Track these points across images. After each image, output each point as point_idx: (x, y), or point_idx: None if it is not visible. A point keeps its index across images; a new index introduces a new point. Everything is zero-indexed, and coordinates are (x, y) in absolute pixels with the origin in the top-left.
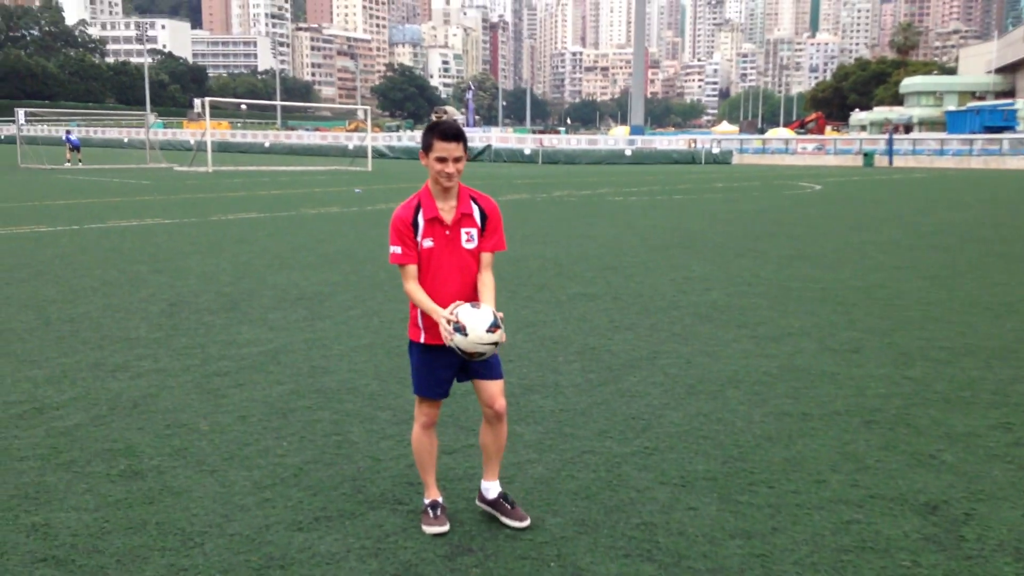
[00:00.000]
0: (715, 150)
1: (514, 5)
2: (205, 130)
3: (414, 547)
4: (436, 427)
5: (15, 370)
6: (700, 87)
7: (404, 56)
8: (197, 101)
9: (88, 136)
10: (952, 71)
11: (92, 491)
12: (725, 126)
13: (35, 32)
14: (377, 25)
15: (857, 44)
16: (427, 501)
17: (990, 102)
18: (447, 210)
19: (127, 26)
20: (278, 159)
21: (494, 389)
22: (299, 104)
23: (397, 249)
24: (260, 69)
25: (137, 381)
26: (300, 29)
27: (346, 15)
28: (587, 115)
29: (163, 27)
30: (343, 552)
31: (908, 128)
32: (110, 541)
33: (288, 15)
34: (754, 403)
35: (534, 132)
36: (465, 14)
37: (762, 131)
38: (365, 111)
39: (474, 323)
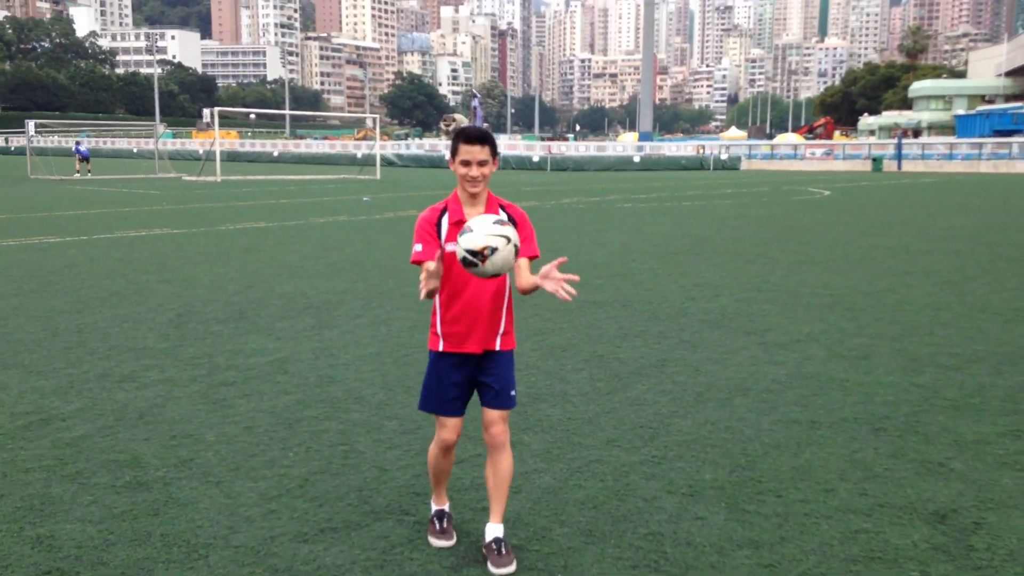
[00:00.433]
0: (724, 156)
1: (523, 12)
2: (214, 140)
3: (420, 559)
4: (455, 449)
5: (22, 380)
6: (709, 93)
7: (413, 64)
8: (206, 111)
9: (97, 147)
10: (961, 74)
11: (97, 502)
12: (734, 132)
13: (46, 44)
14: (386, 34)
15: (866, 48)
16: (434, 509)
17: (1000, 106)
18: (474, 216)
19: (137, 37)
20: (287, 168)
21: (493, 415)
22: (308, 113)
23: (418, 247)
24: (269, 79)
25: (144, 392)
26: (309, 38)
27: (355, 24)
28: (596, 121)
29: (173, 37)
30: (348, 564)
31: (917, 132)
32: (115, 553)
33: (297, 24)
34: (762, 411)
35: (543, 139)
36: (474, 22)
37: (771, 136)
38: (374, 119)
39: (479, 221)
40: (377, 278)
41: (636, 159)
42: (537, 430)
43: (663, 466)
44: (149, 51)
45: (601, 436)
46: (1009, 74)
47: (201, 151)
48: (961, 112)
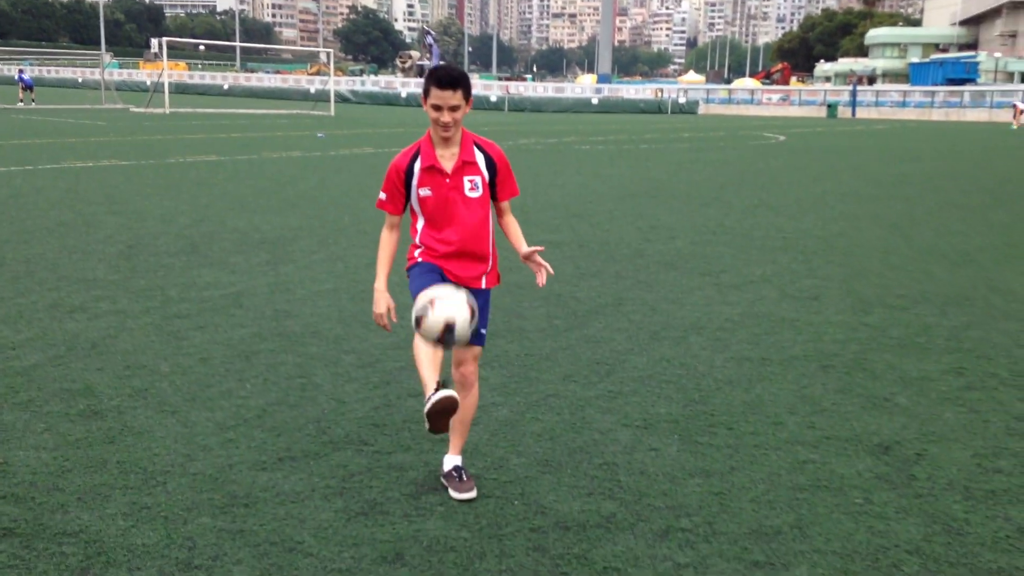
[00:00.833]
0: (682, 100)
1: None
2: (162, 71)
3: (379, 486)
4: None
5: None
6: (668, 36)
7: None
8: (154, 41)
9: (41, 76)
10: (917, 23)
11: (51, 430)
12: (692, 76)
13: None
14: None
15: None
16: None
17: (953, 54)
18: (447, 157)
19: None
20: (237, 102)
21: (466, 354)
22: (259, 46)
23: (383, 195)
24: (219, 9)
25: (95, 322)
26: None
27: None
28: (554, 62)
29: None
30: (308, 491)
31: (872, 80)
32: (70, 479)
33: None
34: (716, 348)
35: (500, 79)
36: None
37: (728, 81)
38: (328, 54)
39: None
40: (333, 215)
41: (594, 101)
42: (495, 365)
43: (619, 400)
44: None
45: (558, 371)
46: (963, 23)
47: (149, 82)
48: (915, 60)
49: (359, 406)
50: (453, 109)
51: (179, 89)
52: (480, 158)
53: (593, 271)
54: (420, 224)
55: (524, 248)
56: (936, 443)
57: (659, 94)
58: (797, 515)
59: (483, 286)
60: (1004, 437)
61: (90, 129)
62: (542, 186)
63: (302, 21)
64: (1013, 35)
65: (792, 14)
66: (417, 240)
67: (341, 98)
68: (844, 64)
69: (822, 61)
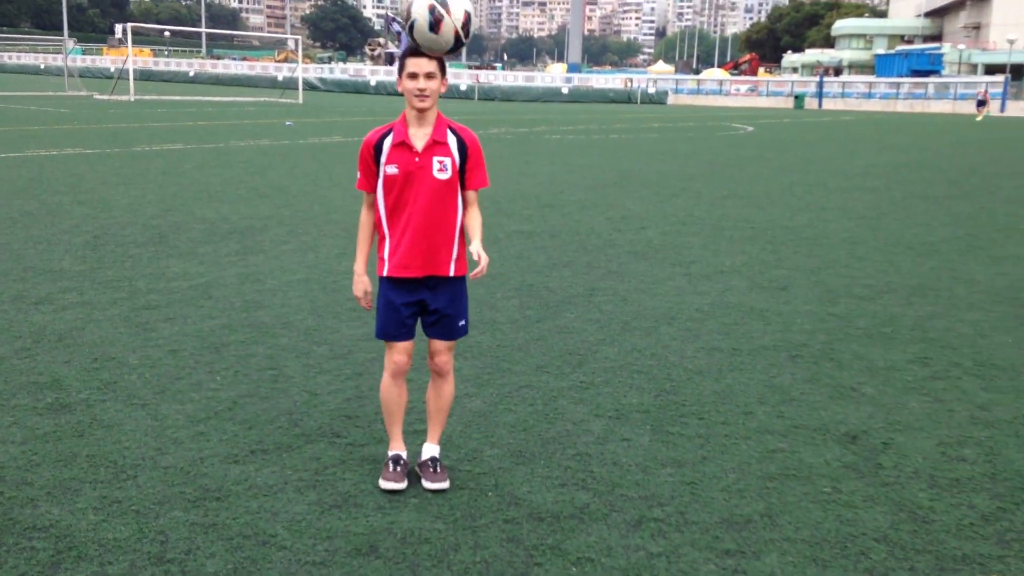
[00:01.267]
0: (651, 90)
1: None
2: (127, 57)
3: (352, 479)
4: (406, 379)
5: None
6: (637, 25)
7: None
8: (118, 27)
9: (2, 62)
10: (883, 14)
11: (19, 424)
12: (661, 66)
13: None
14: None
15: None
16: (390, 454)
17: (918, 46)
18: (420, 136)
19: None
20: (203, 89)
21: (440, 345)
22: (226, 32)
23: (359, 175)
24: None
25: (62, 314)
26: None
27: None
28: (524, 51)
29: None
30: (280, 484)
31: (838, 71)
32: (39, 473)
33: None
34: (686, 339)
35: (470, 67)
36: None
37: (697, 71)
38: (296, 41)
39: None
40: (303, 204)
41: (564, 90)
42: (468, 356)
43: (591, 391)
44: None
45: (530, 362)
46: (928, 15)
47: (113, 69)
48: (881, 52)
49: (331, 398)
50: (429, 76)
51: (144, 76)
52: (452, 140)
53: (565, 261)
54: (384, 213)
55: (476, 243)
56: (902, 432)
57: (629, 84)
58: (767, 504)
59: (451, 273)
60: (968, 426)
61: (53, 116)
62: (513, 176)
63: (269, 7)
64: (977, 27)
65: (760, 4)
66: (385, 230)
67: (309, 86)
68: (811, 55)
69: (789, 52)
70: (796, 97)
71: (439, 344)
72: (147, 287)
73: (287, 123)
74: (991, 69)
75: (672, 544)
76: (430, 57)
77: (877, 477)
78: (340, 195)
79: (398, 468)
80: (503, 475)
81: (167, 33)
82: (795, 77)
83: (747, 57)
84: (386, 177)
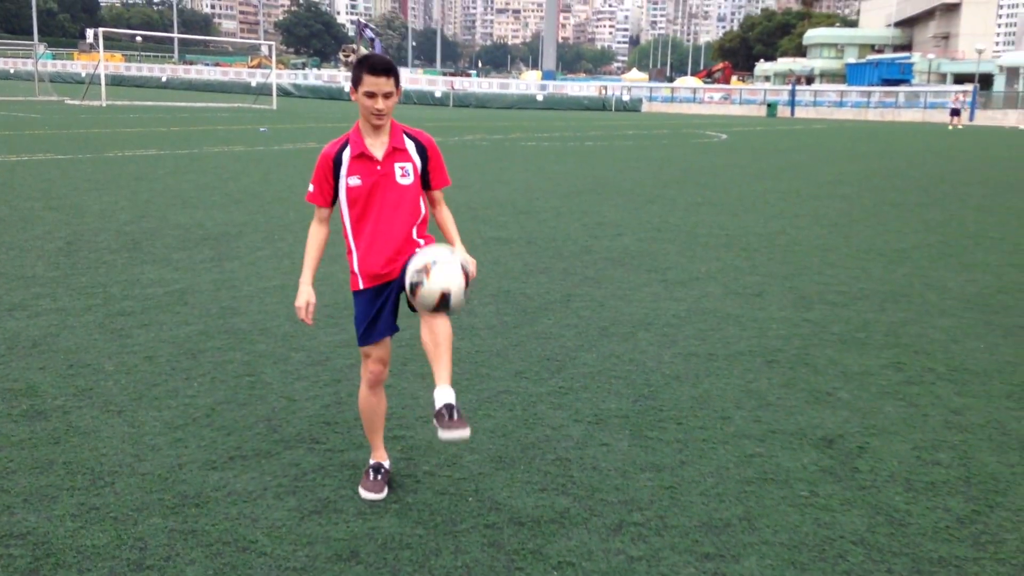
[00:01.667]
0: (625, 97)
1: None
2: (98, 62)
3: (332, 484)
4: (384, 387)
5: None
6: (611, 33)
7: None
8: (89, 32)
9: None
10: (854, 24)
11: None
12: (635, 73)
13: None
14: None
15: None
16: (371, 463)
17: (888, 55)
18: (378, 145)
19: None
20: (176, 95)
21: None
22: (198, 37)
23: (311, 188)
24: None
25: (36, 320)
26: None
27: None
28: (498, 58)
29: None
30: (260, 490)
31: (810, 80)
32: (16, 481)
33: None
34: (664, 344)
35: (445, 74)
36: None
37: (671, 79)
38: (269, 47)
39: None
40: (278, 210)
41: (539, 97)
42: None
43: (569, 396)
44: None
45: (509, 368)
46: (898, 24)
47: (84, 74)
48: (852, 61)
49: (310, 404)
50: (387, 96)
51: (115, 81)
52: (411, 145)
53: (541, 267)
54: (349, 225)
55: (457, 248)
56: (877, 436)
57: (603, 91)
58: (745, 508)
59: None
60: (942, 430)
61: (24, 122)
62: (488, 183)
63: (242, 12)
64: (946, 37)
65: (732, 13)
66: (352, 244)
67: (283, 92)
68: (783, 64)
69: (762, 61)
70: (769, 105)
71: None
72: (122, 293)
73: (261, 129)
74: (960, 78)
75: (652, 548)
76: (388, 75)
77: (854, 481)
78: None
79: (378, 477)
80: (483, 480)
81: (139, 38)
82: (768, 85)
83: (720, 66)
84: (349, 189)
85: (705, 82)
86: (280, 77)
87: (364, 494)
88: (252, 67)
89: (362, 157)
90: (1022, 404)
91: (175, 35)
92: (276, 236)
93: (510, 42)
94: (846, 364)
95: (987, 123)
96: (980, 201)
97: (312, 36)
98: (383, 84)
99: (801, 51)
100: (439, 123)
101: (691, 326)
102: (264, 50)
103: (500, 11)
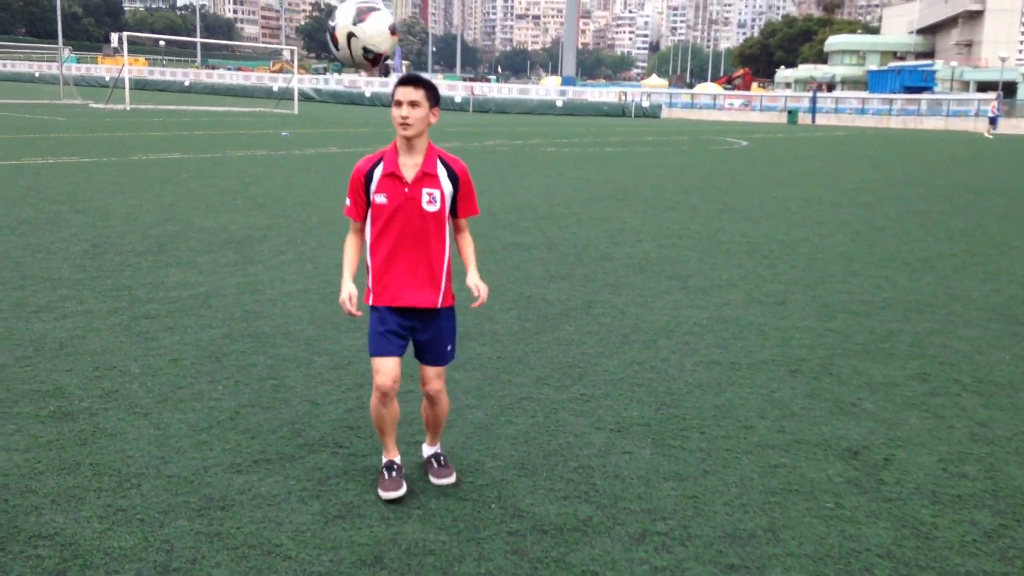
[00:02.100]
0: (645, 103)
1: None
2: (122, 66)
3: (356, 489)
4: (397, 398)
5: None
6: (631, 39)
7: None
8: (114, 35)
9: None
10: (875, 31)
11: (21, 431)
12: (655, 79)
13: None
14: None
15: (785, 0)
16: (384, 461)
17: (910, 62)
18: (409, 166)
19: None
20: (199, 99)
21: (430, 372)
22: (221, 42)
23: (348, 201)
24: (179, 4)
25: (63, 322)
26: None
27: None
28: (518, 64)
29: None
30: (284, 494)
31: (831, 87)
32: (43, 481)
33: None
34: (685, 352)
35: (465, 79)
36: None
37: (691, 86)
38: (291, 51)
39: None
40: (300, 215)
41: (559, 103)
42: (468, 368)
43: (591, 403)
44: None
45: (530, 374)
46: (921, 31)
47: (108, 77)
48: (874, 68)
49: (333, 408)
50: (413, 104)
51: (139, 85)
52: (443, 171)
53: (562, 274)
54: (369, 240)
55: (471, 275)
56: (903, 448)
57: (623, 97)
58: (770, 519)
59: (439, 304)
60: (968, 442)
61: (49, 125)
62: (509, 188)
63: (264, 17)
64: (968, 44)
65: (753, 20)
66: (369, 261)
67: (304, 96)
68: (804, 71)
69: (783, 67)
70: (789, 112)
71: (429, 371)
72: (147, 296)
73: (283, 134)
74: (983, 86)
75: (676, 558)
76: (416, 86)
77: (879, 493)
78: (337, 206)
79: (393, 474)
80: (506, 487)
81: (162, 42)
82: (788, 92)
83: (740, 72)
84: (375, 206)
85: (725, 88)
86: (301, 82)
87: (384, 494)
88: (274, 72)
89: (392, 177)
90: None
91: (198, 39)
92: (299, 240)
93: (530, 48)
94: (871, 374)
95: (1011, 131)
96: (1004, 210)
97: None
98: (409, 93)
99: (822, 58)
100: (459, 128)
101: (713, 334)
102: (286, 55)
103: (520, 17)
